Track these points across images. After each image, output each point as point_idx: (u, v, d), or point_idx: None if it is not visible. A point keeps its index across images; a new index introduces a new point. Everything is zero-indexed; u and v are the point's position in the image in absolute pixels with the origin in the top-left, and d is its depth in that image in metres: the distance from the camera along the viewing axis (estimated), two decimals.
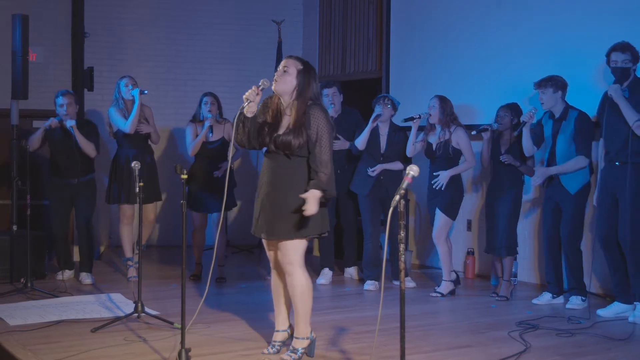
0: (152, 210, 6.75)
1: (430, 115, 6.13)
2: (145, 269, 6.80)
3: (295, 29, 9.17)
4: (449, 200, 6.06)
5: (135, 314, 4.93)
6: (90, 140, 6.31)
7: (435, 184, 6.04)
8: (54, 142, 6.35)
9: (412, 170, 3.18)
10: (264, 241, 4.22)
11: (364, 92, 8.16)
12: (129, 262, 6.63)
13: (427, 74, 7.58)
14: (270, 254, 4.22)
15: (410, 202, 7.74)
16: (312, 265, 7.33)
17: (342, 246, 6.97)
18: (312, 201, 3.88)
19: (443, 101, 6.09)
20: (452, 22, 7.37)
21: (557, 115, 5.69)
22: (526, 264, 6.68)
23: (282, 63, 4.08)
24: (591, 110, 5.72)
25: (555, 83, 5.63)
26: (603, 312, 5.36)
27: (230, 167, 5.70)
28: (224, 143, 6.54)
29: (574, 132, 5.58)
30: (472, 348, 4.49)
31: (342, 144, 6.55)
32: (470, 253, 7.11)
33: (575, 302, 5.62)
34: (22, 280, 5.96)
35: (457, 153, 6.08)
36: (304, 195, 3.89)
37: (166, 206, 8.43)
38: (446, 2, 7.46)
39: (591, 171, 5.69)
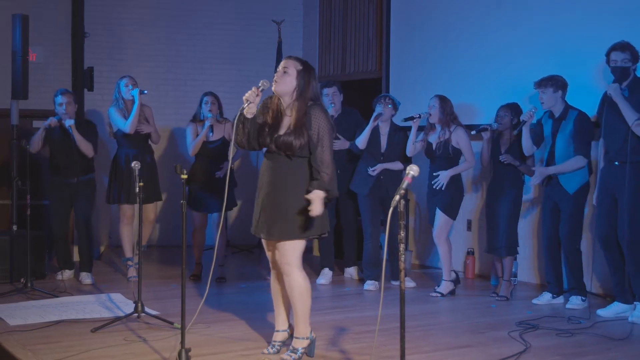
0: (152, 210, 6.75)
1: (430, 114, 6.13)
2: (145, 269, 6.81)
3: (295, 29, 9.17)
4: (449, 199, 6.06)
5: (135, 314, 4.93)
6: (88, 140, 6.32)
7: (436, 184, 6.04)
8: (53, 141, 6.36)
9: (412, 170, 3.18)
10: (263, 241, 4.22)
11: (364, 92, 8.16)
12: (129, 262, 6.63)
13: (427, 74, 7.58)
14: (269, 254, 4.22)
15: (410, 202, 7.74)
16: (312, 265, 7.34)
17: (342, 246, 6.97)
18: (316, 202, 3.89)
19: (443, 101, 6.09)
20: (452, 22, 7.37)
21: (556, 115, 5.70)
22: (526, 264, 6.68)
23: (282, 64, 4.08)
24: (591, 110, 5.72)
25: (556, 83, 5.64)
26: (603, 312, 5.36)
27: (231, 167, 5.71)
28: (224, 143, 6.54)
29: (573, 132, 5.59)
30: (472, 348, 4.49)
31: (342, 144, 6.56)
32: (470, 253, 7.11)
33: (575, 302, 5.62)
34: (22, 280, 5.96)
35: (457, 153, 6.08)
36: (308, 197, 3.89)
37: (166, 206, 8.43)
38: (446, 2, 7.46)
39: (590, 171, 5.69)
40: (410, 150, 6.26)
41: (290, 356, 4.08)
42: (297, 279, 4.02)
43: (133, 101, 6.41)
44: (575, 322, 5.15)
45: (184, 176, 3.90)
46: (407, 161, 6.34)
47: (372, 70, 8.34)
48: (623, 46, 5.23)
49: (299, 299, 4.03)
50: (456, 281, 6.19)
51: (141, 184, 4.86)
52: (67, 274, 6.51)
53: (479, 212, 7.12)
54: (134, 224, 6.45)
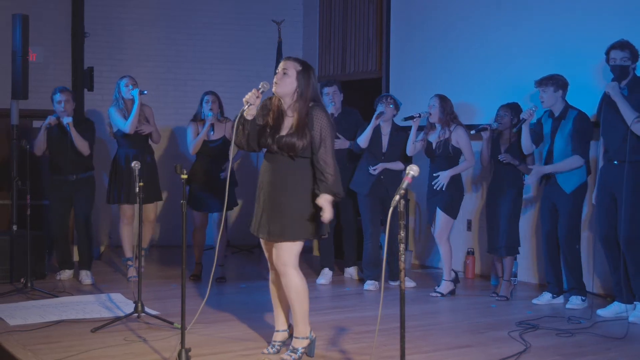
0: (152, 210, 6.75)
1: (430, 114, 6.14)
2: (146, 269, 6.82)
3: (295, 29, 9.17)
4: (449, 199, 6.06)
5: (135, 314, 4.93)
6: (85, 138, 6.33)
7: (436, 185, 6.05)
8: (51, 139, 6.39)
9: (412, 170, 3.18)
10: (262, 241, 4.22)
11: (364, 92, 8.16)
12: (129, 262, 6.63)
13: (427, 74, 7.58)
14: (268, 255, 4.22)
15: (410, 202, 7.74)
16: (312, 265, 7.34)
17: (342, 246, 6.96)
18: (326, 206, 3.92)
19: (443, 100, 6.10)
20: (452, 22, 7.37)
21: (556, 114, 5.70)
22: (526, 263, 6.68)
23: (281, 65, 4.07)
24: (591, 110, 5.72)
25: (556, 82, 5.64)
26: (603, 312, 5.36)
27: (231, 167, 5.71)
28: (225, 142, 6.54)
29: (572, 132, 5.59)
30: (472, 348, 4.49)
31: (342, 143, 6.55)
32: (470, 253, 7.11)
33: (575, 302, 5.62)
34: (22, 280, 5.96)
35: (457, 152, 6.09)
36: (317, 203, 3.92)
37: (167, 206, 8.43)
38: (446, 2, 7.46)
39: (588, 172, 5.69)
40: (410, 150, 6.26)
41: (290, 356, 4.08)
42: (293, 279, 4.02)
43: (133, 101, 6.42)
44: (575, 322, 5.15)
45: (184, 176, 3.90)
46: (407, 161, 6.34)
47: (372, 70, 8.34)
48: (622, 45, 5.24)
49: (296, 299, 4.03)
50: (455, 280, 6.19)
51: (141, 184, 4.86)
52: (67, 273, 6.51)
53: (479, 212, 7.12)
54: (134, 224, 6.45)
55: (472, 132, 6.13)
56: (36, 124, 7.70)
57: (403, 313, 3.13)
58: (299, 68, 4.04)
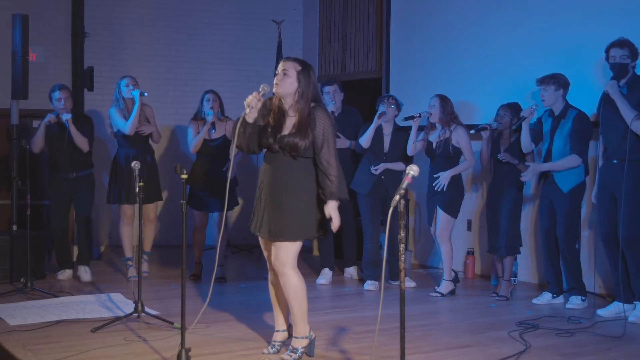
0: (152, 210, 6.75)
1: (430, 114, 6.14)
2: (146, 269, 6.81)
3: (295, 29, 9.17)
4: (449, 199, 6.07)
5: (135, 314, 4.93)
6: (84, 135, 6.36)
7: (437, 186, 6.05)
8: (51, 137, 6.41)
9: (412, 170, 3.18)
10: (261, 241, 4.22)
11: (364, 92, 8.16)
12: (129, 262, 6.63)
13: (427, 74, 7.58)
14: (267, 254, 4.22)
15: (410, 202, 7.74)
16: (312, 265, 7.33)
17: (342, 246, 6.96)
18: (334, 214, 3.95)
19: (443, 100, 6.10)
20: (452, 22, 7.37)
21: (556, 113, 5.71)
22: (526, 263, 6.68)
23: (280, 66, 4.07)
24: (591, 110, 5.73)
25: (558, 81, 5.65)
26: (603, 312, 5.36)
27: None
28: (225, 141, 6.54)
29: (571, 131, 5.60)
30: (472, 348, 4.49)
31: (342, 143, 6.56)
32: (470, 253, 7.11)
33: (575, 302, 5.62)
34: (22, 280, 5.96)
35: (457, 152, 6.09)
36: (325, 211, 3.94)
37: (167, 206, 8.43)
38: (446, 2, 7.46)
39: (587, 172, 5.69)
40: (410, 150, 6.27)
41: (290, 356, 4.08)
42: (292, 279, 4.02)
43: (133, 101, 6.42)
44: (575, 322, 5.15)
45: (184, 176, 3.90)
46: (408, 161, 6.35)
47: (372, 70, 8.34)
48: (622, 43, 5.24)
49: (295, 298, 4.04)
50: (455, 279, 6.19)
51: (141, 183, 4.85)
52: (67, 273, 6.52)
53: (479, 212, 7.12)
54: (134, 224, 6.45)
55: (472, 131, 6.13)
56: (36, 124, 7.68)
57: (403, 313, 3.13)
58: (299, 68, 4.04)
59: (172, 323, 4.77)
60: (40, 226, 7.10)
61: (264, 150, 4.17)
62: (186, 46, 8.87)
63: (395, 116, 6.45)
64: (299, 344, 4.10)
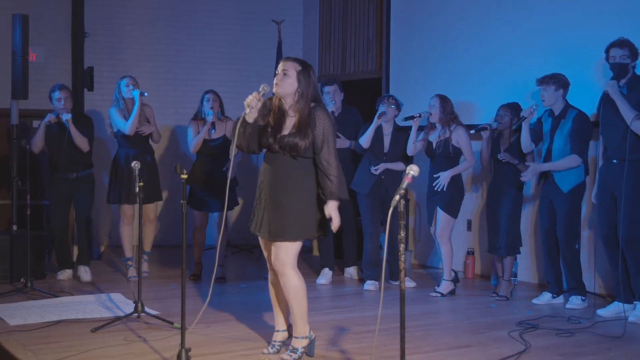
0: (152, 210, 6.75)
1: (430, 114, 6.14)
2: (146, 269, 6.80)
3: (295, 29, 9.17)
4: (449, 199, 6.07)
5: (135, 314, 4.93)
6: (84, 135, 6.36)
7: (437, 186, 6.05)
8: (50, 137, 6.41)
9: (412, 170, 3.18)
10: (261, 241, 4.22)
11: (364, 92, 8.16)
12: (129, 262, 6.63)
13: (427, 74, 7.58)
14: (267, 254, 4.22)
15: (410, 202, 7.74)
16: (312, 265, 7.33)
17: (342, 246, 6.96)
18: (334, 214, 3.95)
19: (444, 100, 6.11)
20: (452, 22, 7.37)
21: (556, 113, 5.71)
22: (526, 263, 6.68)
23: (280, 66, 4.08)
24: (591, 110, 5.73)
25: (558, 81, 5.65)
26: (603, 312, 5.36)
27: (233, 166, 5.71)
28: (225, 141, 6.54)
29: (571, 131, 5.60)
30: (472, 348, 4.49)
31: (342, 142, 6.56)
32: (470, 253, 7.11)
33: (575, 302, 5.62)
34: (22, 280, 5.96)
35: (457, 152, 6.09)
36: (326, 212, 3.95)
37: (167, 206, 8.43)
38: (446, 2, 7.46)
39: (586, 172, 5.69)
40: (410, 150, 6.27)
41: (290, 356, 4.08)
42: (292, 279, 4.02)
43: (133, 101, 6.42)
44: (575, 322, 5.15)
45: (184, 176, 3.90)
46: (408, 161, 6.35)
47: (372, 70, 8.34)
48: (622, 42, 5.24)
49: (295, 298, 4.04)
50: (455, 279, 6.19)
51: (141, 183, 4.86)
52: (67, 273, 6.52)
53: (479, 212, 7.12)
54: (134, 224, 6.45)
55: (472, 131, 6.14)
56: (36, 124, 7.67)
57: (403, 313, 3.13)
58: (299, 68, 4.04)
59: (172, 323, 4.77)
60: (40, 226, 7.10)
61: (264, 150, 4.17)
62: (186, 46, 8.87)
63: (396, 116, 6.46)
64: (299, 344, 4.10)
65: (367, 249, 6.44)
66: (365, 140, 6.34)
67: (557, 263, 5.80)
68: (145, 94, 6.45)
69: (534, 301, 5.81)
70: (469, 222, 7.25)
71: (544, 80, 5.69)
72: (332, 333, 4.74)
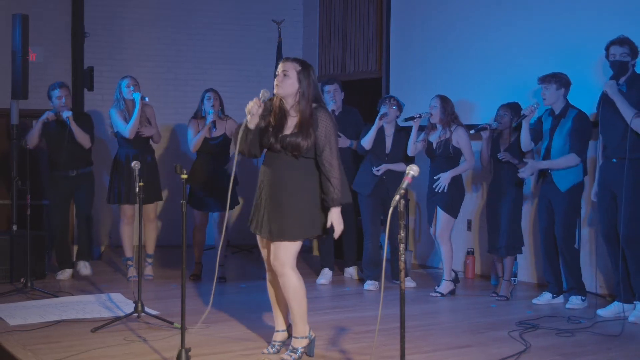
0: (152, 210, 6.74)
1: (431, 114, 6.14)
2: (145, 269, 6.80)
3: (295, 29, 9.17)
4: (449, 199, 6.07)
5: (135, 314, 4.93)
6: (85, 132, 6.37)
7: (437, 187, 6.05)
8: (49, 135, 6.42)
9: (412, 170, 3.18)
10: (259, 241, 4.22)
11: (364, 92, 8.16)
12: (129, 262, 6.63)
13: (427, 74, 7.58)
14: (264, 253, 4.21)
15: (410, 202, 7.74)
16: (312, 265, 7.33)
17: (342, 246, 6.96)
18: (336, 220, 3.97)
19: (444, 101, 6.11)
20: (452, 22, 7.37)
21: (557, 112, 5.71)
22: (525, 263, 6.68)
23: (280, 67, 4.08)
24: (590, 109, 5.73)
25: (559, 80, 5.65)
26: (603, 312, 5.35)
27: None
28: (225, 139, 6.54)
29: (570, 130, 5.60)
30: (472, 348, 4.49)
31: (342, 142, 6.55)
32: (470, 253, 7.11)
33: (575, 302, 5.62)
34: (22, 280, 5.97)
35: (458, 152, 6.09)
36: (329, 219, 3.97)
37: (167, 205, 8.43)
38: (446, 2, 7.46)
39: (585, 172, 5.69)
40: (411, 150, 6.27)
41: (290, 356, 4.08)
42: (291, 279, 4.02)
43: (134, 102, 6.41)
44: (575, 321, 5.15)
45: (184, 176, 3.90)
46: (408, 161, 6.35)
47: (372, 70, 8.34)
48: (622, 41, 5.25)
49: (294, 298, 4.04)
50: (455, 279, 6.19)
51: (141, 183, 4.86)
52: (67, 273, 6.52)
53: (479, 212, 7.12)
54: (134, 224, 6.45)
55: (472, 131, 6.14)
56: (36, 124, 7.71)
57: (403, 313, 3.13)
58: (299, 68, 4.04)
59: (172, 323, 4.78)
60: (40, 226, 7.11)
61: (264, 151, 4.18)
62: (186, 46, 8.88)
63: (397, 117, 6.46)
64: (299, 344, 4.10)
65: (367, 249, 6.44)
66: (367, 141, 6.34)
67: (557, 263, 5.80)
68: (147, 99, 6.45)
69: (534, 301, 5.81)
70: (469, 222, 7.25)
71: (545, 79, 5.69)
72: (332, 333, 4.74)
